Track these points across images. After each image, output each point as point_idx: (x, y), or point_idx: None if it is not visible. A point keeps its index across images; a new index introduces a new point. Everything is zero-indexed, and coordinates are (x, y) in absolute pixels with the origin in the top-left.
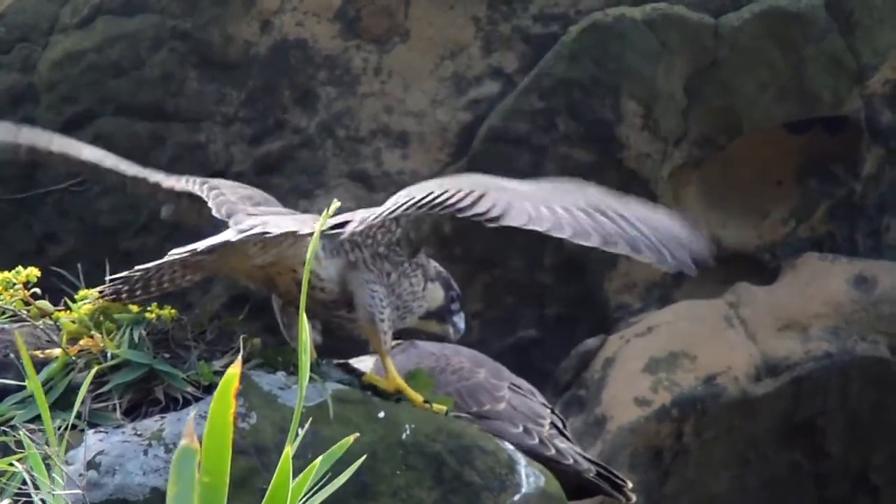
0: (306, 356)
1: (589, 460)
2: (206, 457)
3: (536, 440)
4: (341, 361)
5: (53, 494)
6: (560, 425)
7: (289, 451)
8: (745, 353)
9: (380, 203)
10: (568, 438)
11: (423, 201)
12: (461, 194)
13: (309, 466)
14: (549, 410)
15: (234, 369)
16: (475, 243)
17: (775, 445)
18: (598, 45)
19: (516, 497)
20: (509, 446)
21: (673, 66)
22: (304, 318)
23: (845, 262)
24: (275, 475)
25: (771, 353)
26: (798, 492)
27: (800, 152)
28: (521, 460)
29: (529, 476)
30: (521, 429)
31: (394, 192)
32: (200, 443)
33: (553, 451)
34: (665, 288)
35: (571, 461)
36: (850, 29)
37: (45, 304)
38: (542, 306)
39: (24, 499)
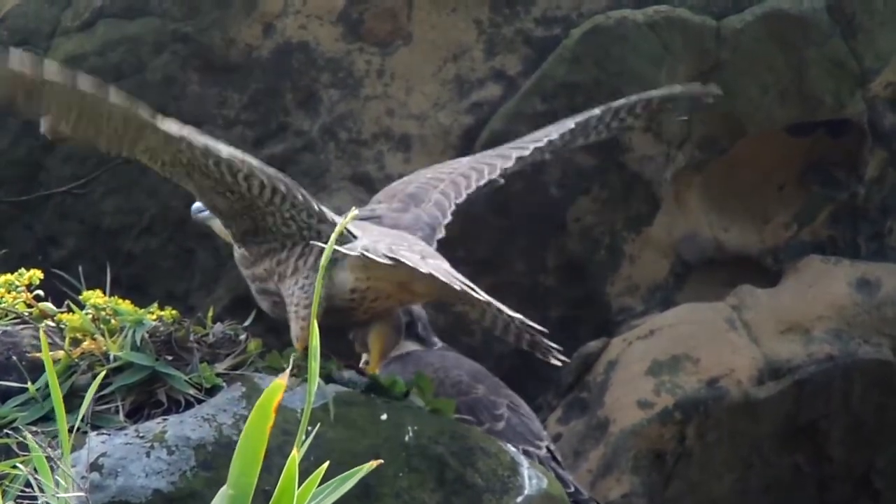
0: (315, 361)
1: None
2: (236, 468)
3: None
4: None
5: (57, 497)
6: (556, 454)
7: (295, 454)
8: (747, 355)
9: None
10: (562, 468)
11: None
12: None
13: (316, 471)
14: (545, 433)
15: (280, 382)
16: (478, 245)
17: (778, 448)
18: (600, 47)
19: (519, 499)
20: (512, 448)
21: (675, 68)
22: (314, 323)
23: (848, 265)
24: (281, 478)
25: (773, 355)
26: (800, 494)
27: (802, 155)
28: (524, 462)
29: (532, 478)
30: (520, 451)
31: None
32: (202, 446)
33: (553, 476)
34: (667, 291)
35: (573, 489)
36: (853, 32)
37: (47, 306)
38: (545, 309)
39: (28, 501)
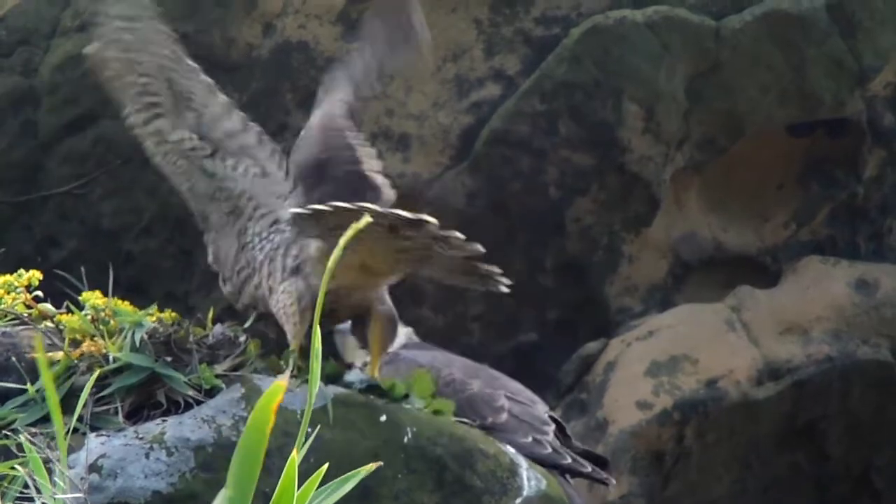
0: (317, 362)
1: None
2: (235, 469)
3: (549, 449)
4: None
5: (55, 498)
6: (563, 430)
7: (295, 455)
8: (746, 356)
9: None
10: (571, 440)
11: None
12: None
13: (315, 473)
14: (549, 416)
15: (281, 383)
16: None
17: (777, 448)
18: (599, 47)
19: (518, 501)
20: (511, 450)
21: (674, 68)
22: (317, 326)
23: (847, 266)
24: (280, 479)
25: (772, 356)
26: (799, 494)
27: (801, 155)
28: (523, 463)
29: (531, 479)
30: (530, 439)
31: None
32: (201, 447)
33: (569, 460)
34: (666, 291)
35: (590, 469)
36: (852, 31)
37: (47, 307)
38: (544, 310)
39: (26, 503)
